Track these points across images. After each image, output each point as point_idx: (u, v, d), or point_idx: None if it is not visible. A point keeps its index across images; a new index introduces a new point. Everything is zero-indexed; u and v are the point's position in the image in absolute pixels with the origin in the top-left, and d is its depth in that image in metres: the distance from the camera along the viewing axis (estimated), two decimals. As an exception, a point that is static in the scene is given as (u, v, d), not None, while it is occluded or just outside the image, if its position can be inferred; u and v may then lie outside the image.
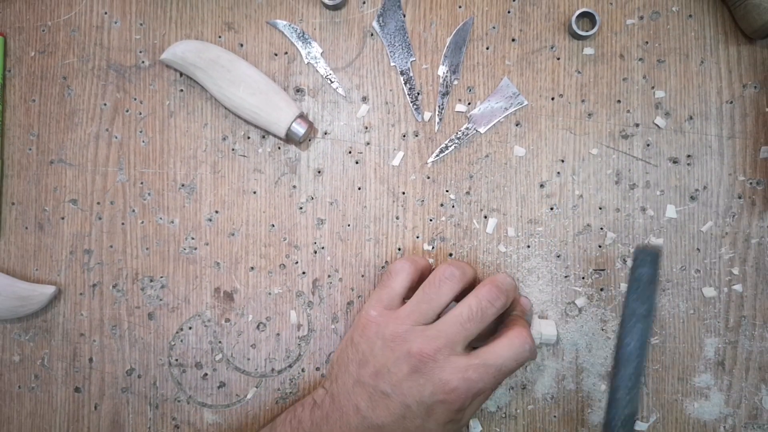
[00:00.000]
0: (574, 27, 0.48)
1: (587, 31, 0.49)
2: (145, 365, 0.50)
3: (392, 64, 0.50)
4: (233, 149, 0.51)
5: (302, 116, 0.49)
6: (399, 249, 0.50)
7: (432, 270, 0.45)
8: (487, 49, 0.50)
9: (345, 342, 0.45)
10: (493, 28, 0.50)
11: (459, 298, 0.44)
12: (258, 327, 0.50)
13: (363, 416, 0.41)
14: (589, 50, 0.49)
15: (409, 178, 0.50)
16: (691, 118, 0.49)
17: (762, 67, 0.49)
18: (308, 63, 0.51)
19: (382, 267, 0.50)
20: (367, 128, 0.50)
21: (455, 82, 0.50)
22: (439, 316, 0.43)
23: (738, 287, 0.48)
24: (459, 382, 0.40)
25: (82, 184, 0.51)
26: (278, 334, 0.50)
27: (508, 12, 0.50)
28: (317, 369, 0.50)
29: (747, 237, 0.48)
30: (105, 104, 0.51)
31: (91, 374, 0.50)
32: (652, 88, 0.49)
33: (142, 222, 0.51)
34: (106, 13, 0.52)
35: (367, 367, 0.42)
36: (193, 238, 0.50)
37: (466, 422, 0.43)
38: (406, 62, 0.50)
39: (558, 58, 0.50)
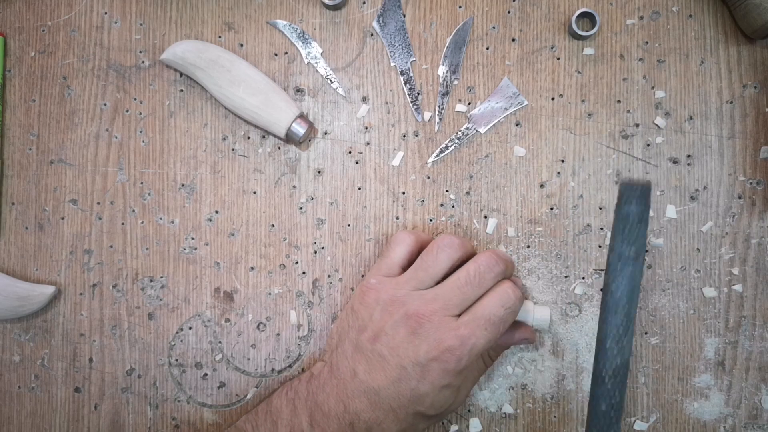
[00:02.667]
0: (574, 27, 0.48)
1: (587, 31, 0.49)
2: (145, 365, 0.50)
3: (392, 64, 0.50)
4: (233, 149, 0.51)
5: (302, 116, 0.49)
6: (399, 249, 0.50)
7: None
8: (487, 49, 0.50)
9: (345, 312, 0.46)
10: (493, 28, 0.50)
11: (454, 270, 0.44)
12: (258, 327, 0.50)
13: (360, 380, 0.42)
14: (589, 50, 0.50)
15: (409, 178, 0.50)
16: (691, 118, 0.49)
17: (762, 67, 0.49)
18: (308, 63, 0.51)
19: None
20: (367, 128, 0.50)
21: (455, 82, 0.50)
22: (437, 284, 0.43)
23: (738, 287, 0.48)
24: (453, 339, 0.40)
25: (82, 184, 0.51)
26: (278, 334, 0.50)
27: (508, 12, 0.50)
28: (317, 369, 0.50)
29: (747, 237, 0.48)
30: (105, 104, 0.51)
31: (91, 374, 0.50)
32: (652, 88, 0.49)
33: (142, 222, 0.51)
34: (106, 13, 0.52)
35: (366, 331, 0.43)
36: (193, 238, 0.50)
37: (463, 397, 0.43)
38: (406, 62, 0.50)
39: (558, 58, 0.50)
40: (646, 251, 0.42)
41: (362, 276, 0.50)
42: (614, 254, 0.37)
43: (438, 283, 0.43)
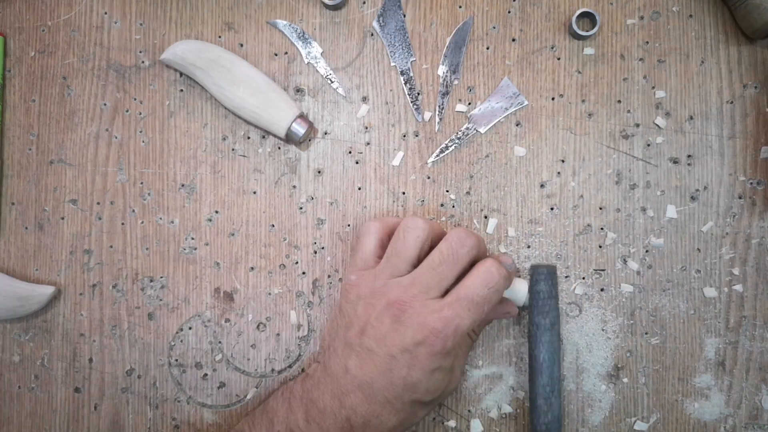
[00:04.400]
0: (575, 27, 0.48)
1: (587, 31, 0.49)
2: (145, 365, 0.50)
3: (392, 64, 0.50)
4: (233, 149, 0.51)
5: (302, 116, 0.49)
6: (399, 249, 0.50)
7: None
8: (488, 49, 0.50)
9: (334, 313, 0.46)
10: (494, 28, 0.50)
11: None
12: (258, 327, 0.50)
13: (352, 376, 0.42)
14: (589, 50, 0.50)
15: (409, 178, 0.50)
16: (691, 118, 0.49)
17: (762, 67, 0.49)
18: (308, 63, 0.51)
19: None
20: (367, 128, 0.50)
21: (455, 82, 0.50)
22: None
23: (738, 287, 0.48)
24: (436, 321, 0.40)
25: (82, 184, 0.51)
26: (278, 335, 0.50)
27: (509, 12, 0.50)
28: (317, 369, 0.50)
29: (747, 237, 0.48)
30: (105, 104, 0.51)
31: (91, 374, 0.50)
32: (653, 88, 0.49)
33: (142, 222, 0.51)
34: (106, 13, 0.52)
35: (353, 328, 0.43)
36: (193, 238, 0.50)
37: (457, 377, 0.44)
38: (406, 62, 0.50)
39: (558, 58, 0.50)
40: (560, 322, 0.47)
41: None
42: (533, 325, 0.45)
43: (415, 267, 0.43)
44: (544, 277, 0.45)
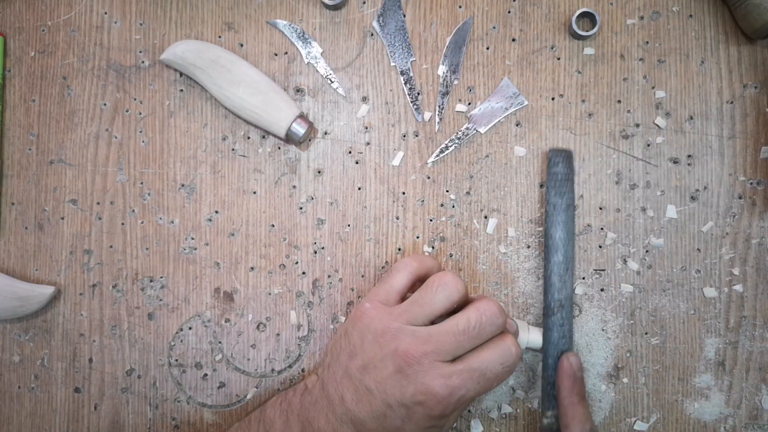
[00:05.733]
0: (575, 27, 0.48)
1: (587, 31, 0.49)
2: (145, 365, 0.50)
3: (392, 64, 0.50)
4: (233, 149, 0.51)
5: (302, 116, 0.49)
6: (399, 249, 0.50)
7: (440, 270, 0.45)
8: (488, 49, 0.50)
9: (339, 332, 0.45)
10: (494, 28, 0.50)
11: (451, 312, 0.42)
12: (258, 327, 0.50)
13: (347, 408, 0.41)
14: (589, 50, 0.49)
15: (409, 178, 0.50)
16: (691, 118, 0.49)
17: (762, 67, 0.49)
18: (308, 63, 0.51)
19: (383, 267, 0.50)
20: (367, 128, 0.50)
21: (455, 82, 0.50)
22: (432, 323, 0.42)
23: (738, 287, 0.48)
24: (441, 387, 0.39)
25: (81, 184, 0.51)
26: (278, 335, 0.50)
27: (509, 12, 0.50)
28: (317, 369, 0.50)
29: (747, 237, 0.48)
30: (105, 104, 0.51)
31: (91, 374, 0.50)
32: (653, 88, 0.49)
33: (142, 222, 0.51)
34: (106, 13, 0.52)
35: (356, 359, 0.42)
36: (193, 239, 0.50)
37: (448, 429, 0.43)
38: (406, 62, 0.50)
39: (558, 58, 0.50)
40: (577, 206, 0.48)
41: (362, 276, 0.50)
42: (550, 205, 0.46)
43: (433, 321, 0.42)
44: (561, 160, 0.46)
